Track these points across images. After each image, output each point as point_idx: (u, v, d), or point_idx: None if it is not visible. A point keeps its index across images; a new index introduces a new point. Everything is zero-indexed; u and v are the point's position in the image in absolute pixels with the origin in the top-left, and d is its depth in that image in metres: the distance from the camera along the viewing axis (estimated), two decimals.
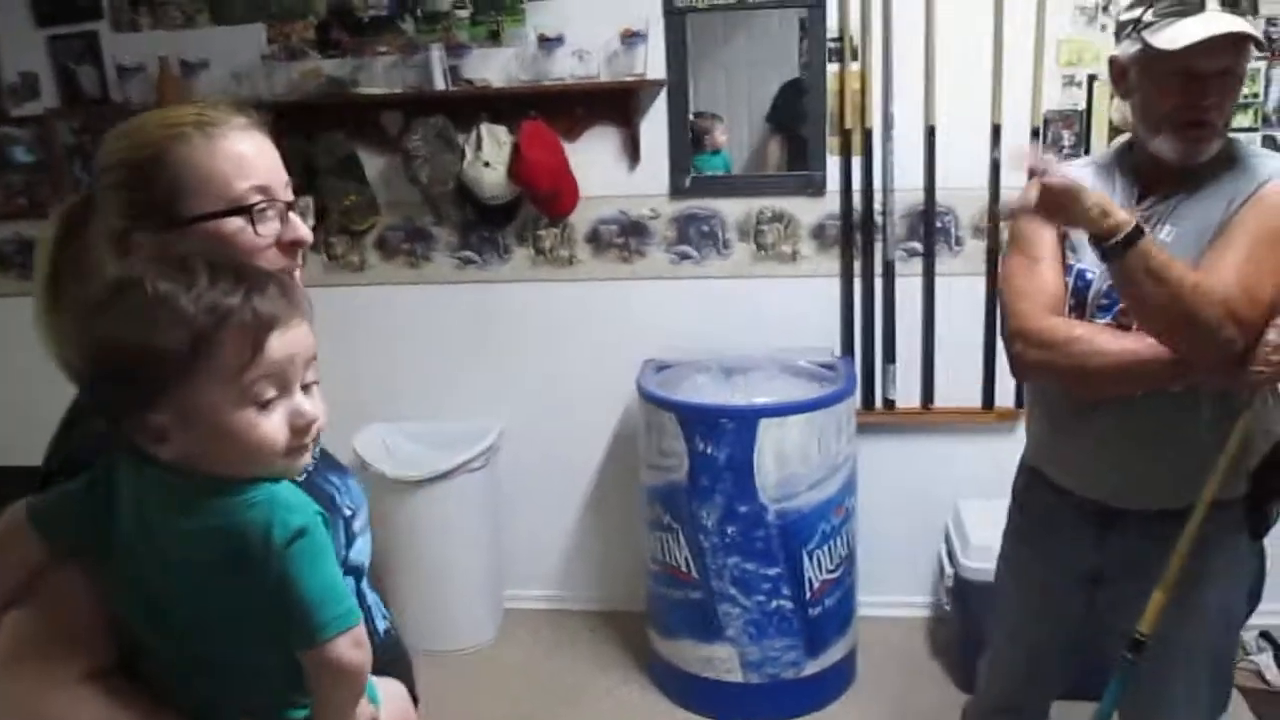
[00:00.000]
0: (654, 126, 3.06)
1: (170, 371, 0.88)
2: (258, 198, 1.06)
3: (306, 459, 0.97)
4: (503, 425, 3.26)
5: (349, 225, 3.21)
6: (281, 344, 0.92)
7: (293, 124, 3.04)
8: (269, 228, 1.07)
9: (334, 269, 3.29)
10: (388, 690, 1.13)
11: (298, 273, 1.12)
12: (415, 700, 1.23)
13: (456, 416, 3.31)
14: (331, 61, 3.09)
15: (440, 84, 3.00)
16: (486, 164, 3.01)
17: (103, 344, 0.90)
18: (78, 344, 0.95)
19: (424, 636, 3.19)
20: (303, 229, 1.11)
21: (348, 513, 1.19)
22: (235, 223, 1.05)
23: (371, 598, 1.24)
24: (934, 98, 2.91)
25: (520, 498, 3.35)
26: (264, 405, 0.92)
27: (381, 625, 1.24)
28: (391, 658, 1.22)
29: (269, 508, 0.91)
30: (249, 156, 1.07)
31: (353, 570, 1.17)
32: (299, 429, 0.94)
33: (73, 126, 3.28)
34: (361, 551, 1.21)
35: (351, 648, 0.93)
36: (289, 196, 1.11)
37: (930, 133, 2.93)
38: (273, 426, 0.92)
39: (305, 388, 0.95)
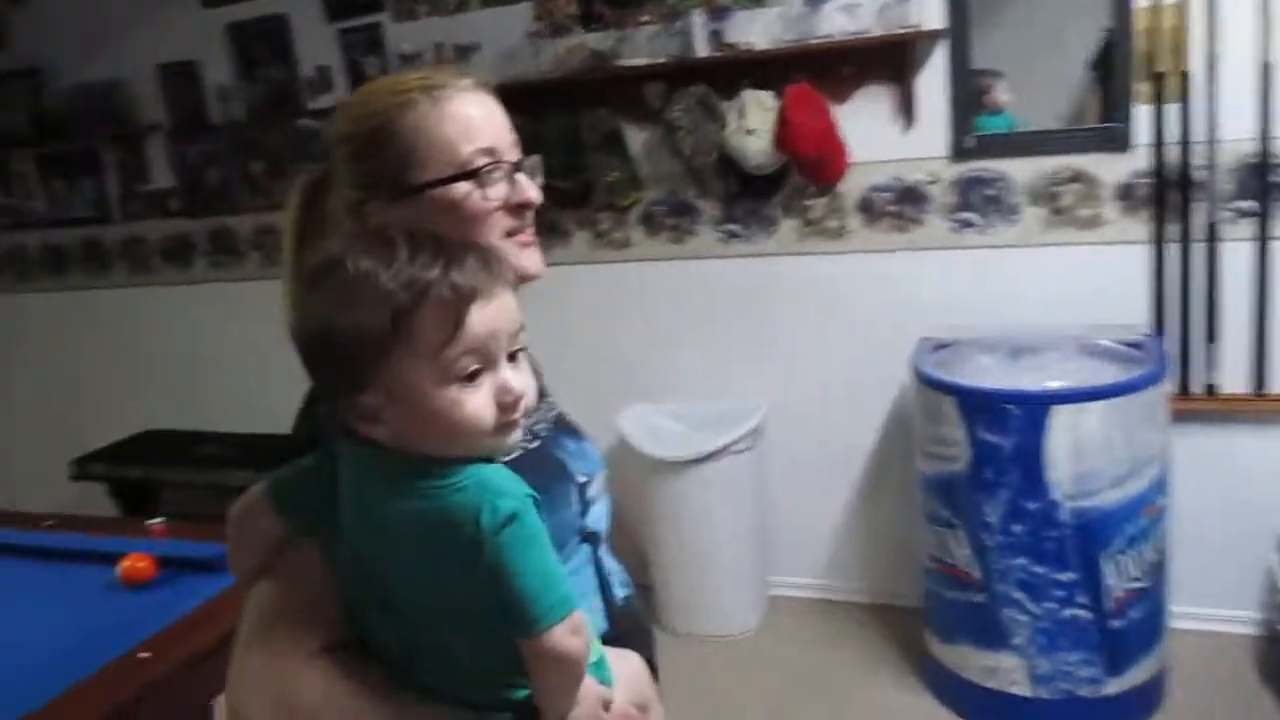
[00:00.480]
0: (931, 83, 2.81)
1: (375, 350, 0.87)
2: (484, 160, 1.04)
3: (517, 435, 0.94)
4: (769, 406, 3.13)
5: (613, 202, 3.18)
6: (482, 317, 0.89)
7: (558, 101, 3.05)
8: (497, 190, 1.05)
9: (598, 246, 3.28)
10: (623, 666, 1.06)
11: (528, 234, 1.08)
12: (655, 672, 1.16)
13: (721, 396, 3.21)
14: (594, 35, 3.06)
15: (702, 50, 2.89)
16: (750, 132, 2.87)
17: (310, 325, 0.90)
18: (290, 325, 0.95)
19: (685, 619, 3.15)
20: (531, 190, 1.08)
21: (582, 479, 1.14)
22: (463, 188, 1.03)
23: (610, 565, 1.17)
24: (1272, 29, 2.47)
25: (786, 481, 3.21)
26: (468, 380, 0.89)
27: (620, 593, 1.17)
28: (629, 628, 1.15)
29: (478, 491, 0.88)
30: (475, 119, 1.05)
31: (589, 537, 1.14)
32: (505, 405, 0.90)
33: None
34: (599, 518, 1.16)
35: (568, 635, 0.89)
36: (516, 156, 1.08)
37: (1266, 71, 2.49)
38: (478, 403, 0.89)
39: (513, 358, 0.92)
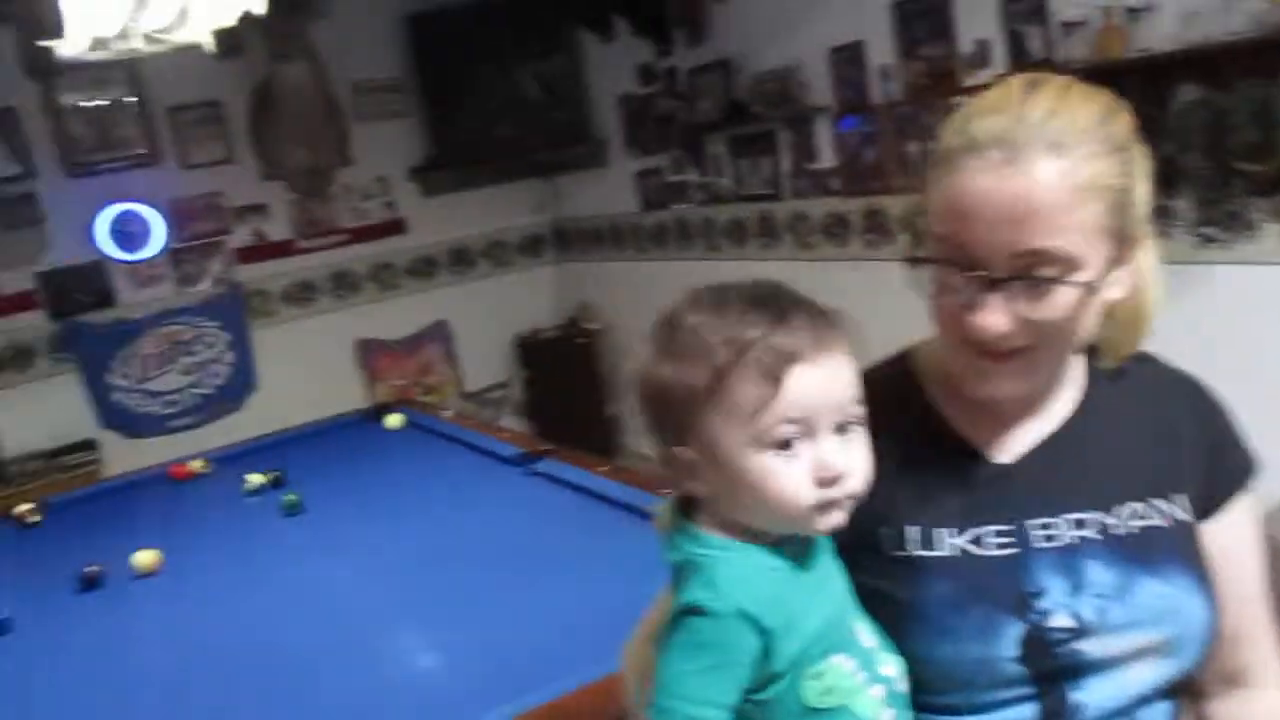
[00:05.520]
0: None
1: (692, 406, 0.86)
2: (946, 248, 0.91)
3: (838, 519, 0.87)
4: None
5: None
6: (805, 383, 0.84)
7: (1252, 67, 2.48)
8: (951, 296, 0.91)
9: None
10: None
11: (1003, 356, 0.92)
12: None
13: None
14: None
15: None
16: None
17: (641, 371, 0.90)
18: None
19: None
20: (991, 319, 0.89)
21: (1048, 619, 0.93)
22: (941, 270, 0.92)
23: None
24: None
25: None
26: (782, 449, 0.84)
27: None
28: None
29: (694, 570, 0.87)
30: (979, 194, 0.88)
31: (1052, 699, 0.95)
32: (823, 481, 0.84)
33: None
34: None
35: None
36: (1009, 269, 0.88)
37: None
38: (793, 476, 0.84)
39: (842, 431, 0.86)
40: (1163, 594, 0.92)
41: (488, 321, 5.37)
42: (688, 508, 0.91)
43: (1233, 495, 1.00)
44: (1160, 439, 1.00)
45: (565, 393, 5.18)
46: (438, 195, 5.21)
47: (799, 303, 0.87)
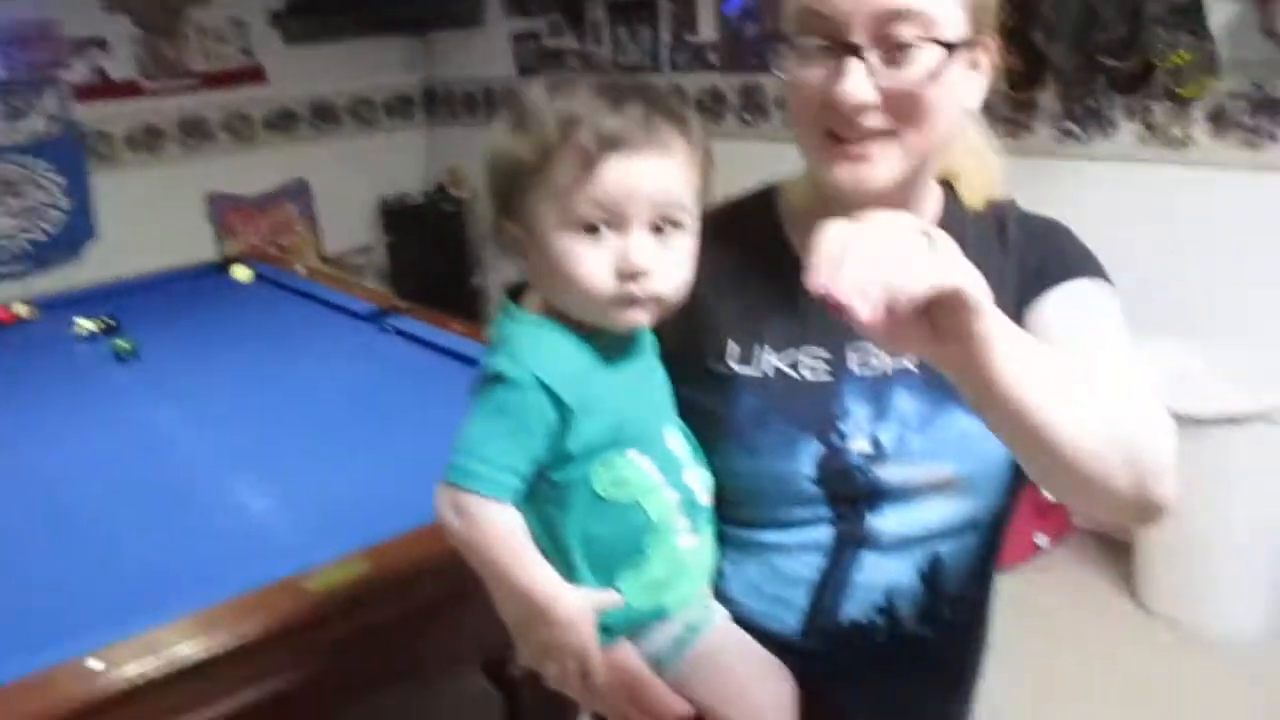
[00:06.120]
0: None
1: (519, 179, 0.86)
2: (804, 29, 0.90)
3: (638, 316, 0.87)
4: None
5: (1176, 89, 2.59)
6: (620, 171, 0.83)
7: None
8: (810, 73, 0.90)
9: (1149, 141, 2.72)
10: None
11: (858, 147, 0.90)
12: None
13: (1276, 347, 2.56)
14: None
15: None
16: None
17: (487, 145, 0.90)
18: None
19: (1168, 602, 2.67)
20: (853, 91, 0.87)
21: (854, 444, 0.97)
22: (787, 55, 0.92)
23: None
24: None
25: None
26: (588, 233, 0.84)
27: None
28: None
29: (503, 343, 0.89)
30: None
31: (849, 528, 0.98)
32: (624, 273, 0.84)
33: None
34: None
35: (446, 507, 0.87)
36: (869, 38, 0.87)
37: None
38: (595, 263, 0.85)
39: (659, 232, 0.86)
40: (965, 429, 0.93)
41: (351, 182, 5.14)
42: (518, 293, 0.93)
43: (1065, 280, 0.97)
44: (1005, 274, 0.99)
45: (429, 261, 5.04)
46: (300, 44, 4.91)
47: (648, 97, 0.87)
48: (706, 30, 3.85)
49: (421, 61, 5.30)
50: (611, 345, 0.90)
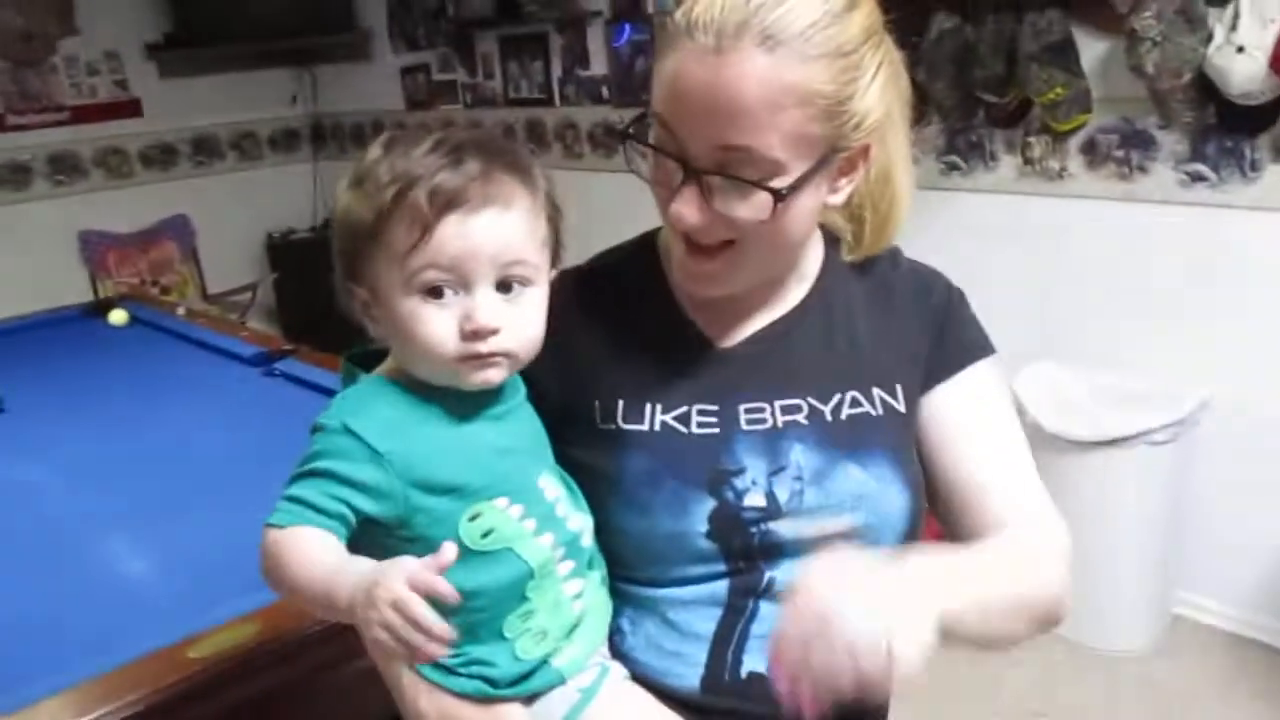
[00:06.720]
0: None
1: (361, 242, 0.84)
2: (656, 126, 0.90)
3: (488, 375, 0.85)
4: (1208, 393, 2.54)
5: (1051, 124, 2.69)
6: (459, 231, 0.81)
7: (999, 3, 2.59)
8: (658, 174, 0.91)
9: (1028, 175, 2.81)
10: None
11: (703, 259, 0.92)
12: None
13: (1150, 371, 2.66)
14: None
15: None
16: (1241, 50, 2.25)
17: (332, 205, 0.89)
18: None
19: (1064, 625, 2.73)
20: (687, 214, 0.88)
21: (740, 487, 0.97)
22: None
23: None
24: None
25: (1214, 485, 2.62)
26: (430, 296, 0.82)
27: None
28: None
29: (340, 397, 0.88)
30: (692, 81, 0.86)
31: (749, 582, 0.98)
32: (467, 334, 0.82)
33: None
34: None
35: (260, 558, 0.84)
36: (710, 159, 0.86)
37: None
38: (438, 325, 0.82)
39: (505, 289, 0.84)
40: (861, 480, 0.93)
41: (235, 218, 5.00)
42: (368, 357, 0.92)
43: (964, 366, 1.01)
44: (891, 331, 1.01)
45: (318, 298, 4.85)
46: (178, 77, 4.76)
47: (489, 150, 0.84)
48: (598, 64, 3.86)
49: (308, 95, 5.19)
50: (468, 401, 0.87)
